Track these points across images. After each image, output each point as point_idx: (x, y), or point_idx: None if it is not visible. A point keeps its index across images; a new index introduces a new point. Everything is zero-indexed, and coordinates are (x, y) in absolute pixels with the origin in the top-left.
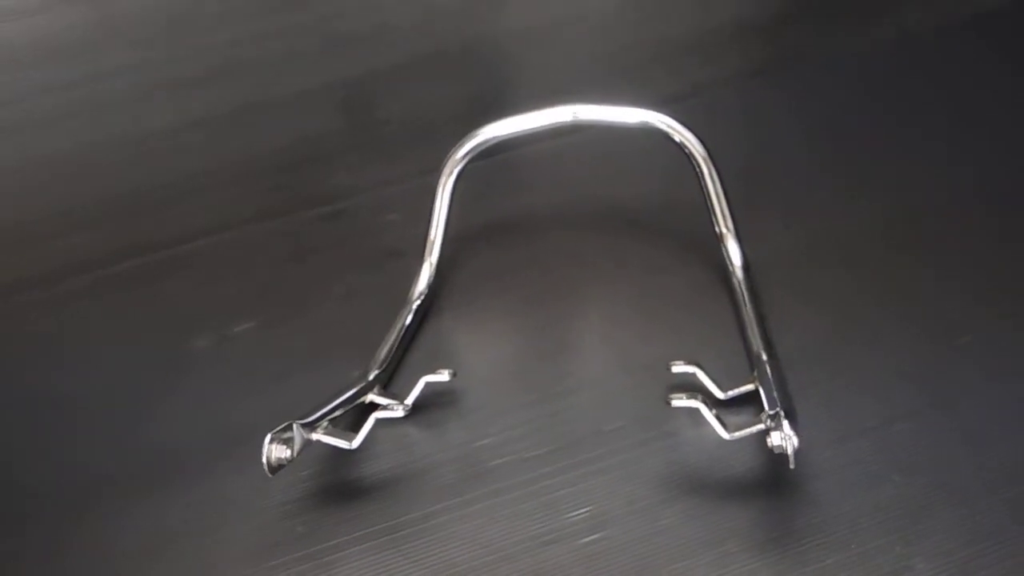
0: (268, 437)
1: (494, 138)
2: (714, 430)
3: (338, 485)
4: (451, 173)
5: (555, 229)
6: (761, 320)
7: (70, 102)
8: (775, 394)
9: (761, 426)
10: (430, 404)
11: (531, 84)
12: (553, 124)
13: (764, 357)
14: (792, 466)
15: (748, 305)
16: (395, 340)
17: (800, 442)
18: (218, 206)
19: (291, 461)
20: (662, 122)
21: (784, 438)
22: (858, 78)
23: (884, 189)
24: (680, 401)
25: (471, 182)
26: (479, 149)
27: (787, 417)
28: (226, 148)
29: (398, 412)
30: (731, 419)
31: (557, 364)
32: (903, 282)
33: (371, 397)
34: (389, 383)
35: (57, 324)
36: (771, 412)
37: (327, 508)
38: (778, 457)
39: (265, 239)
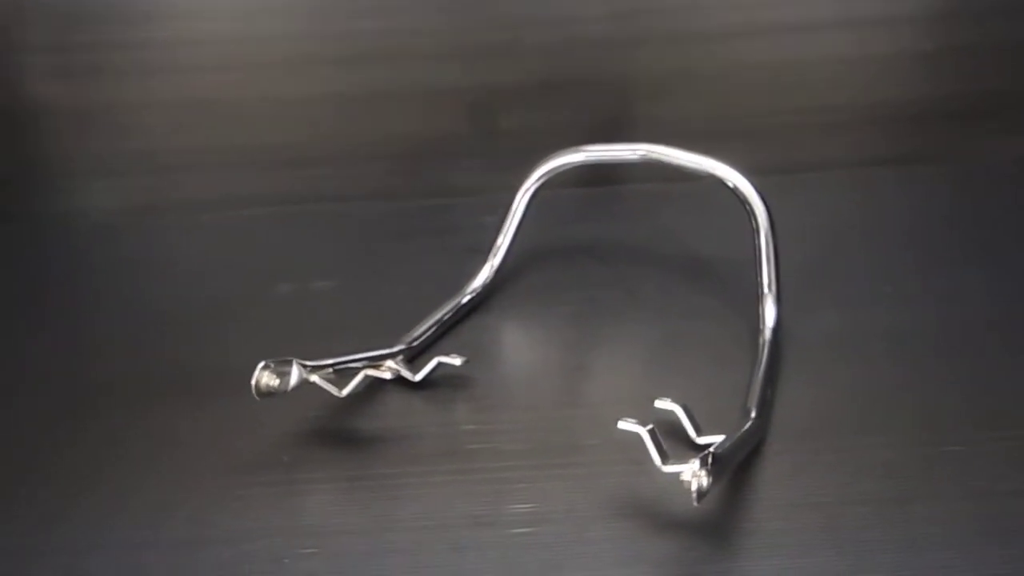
0: (262, 364)
1: (565, 165)
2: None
3: (333, 430)
4: (527, 191)
5: (623, 262)
6: (768, 381)
7: (226, 56)
8: (728, 443)
9: (692, 465)
10: (445, 384)
11: (650, 125)
12: (624, 159)
13: (752, 414)
14: (696, 504)
15: (763, 364)
16: (433, 323)
17: (710, 486)
18: (340, 178)
19: (282, 392)
20: (721, 170)
21: (694, 475)
22: (979, 186)
23: (946, 298)
24: (627, 424)
25: (574, 206)
26: (553, 173)
27: (712, 462)
28: (360, 126)
29: (386, 374)
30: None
31: (569, 380)
32: (918, 383)
33: (389, 363)
34: (415, 359)
35: (178, 248)
36: (704, 454)
37: (314, 447)
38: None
39: (373, 216)
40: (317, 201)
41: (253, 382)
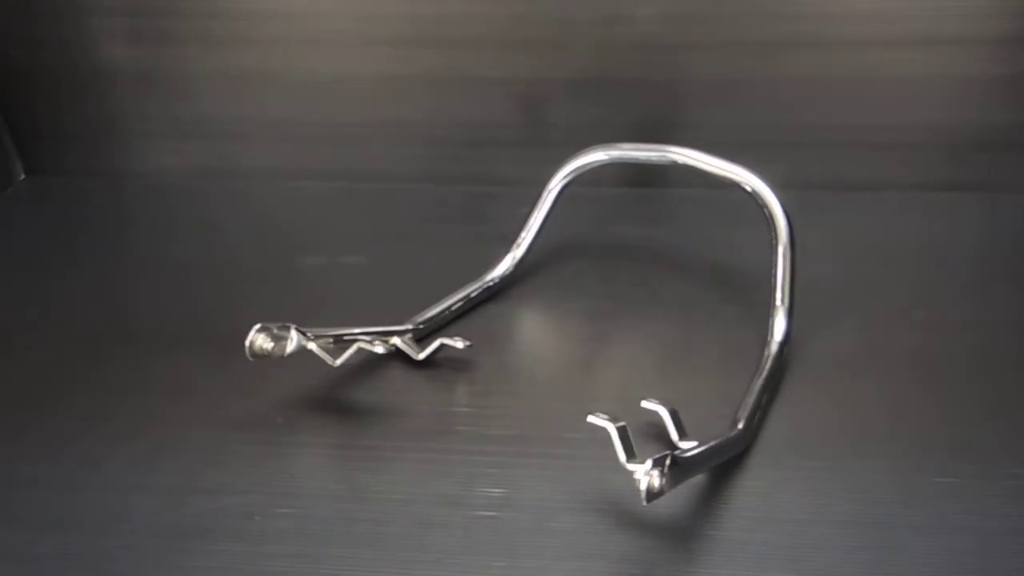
0: (258, 326)
1: (593, 163)
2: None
3: (331, 399)
4: (554, 187)
5: (650, 264)
6: (764, 393)
7: (286, 31)
8: (697, 449)
9: (646, 464)
10: (448, 365)
11: (692, 131)
12: (651, 161)
13: (739, 425)
14: (644, 503)
15: (762, 377)
16: (447, 306)
17: (662, 486)
18: (385, 158)
19: (277, 357)
20: (745, 179)
21: (646, 474)
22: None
23: (968, 328)
24: (596, 419)
25: (610, 205)
26: (581, 170)
27: (670, 464)
28: (416, 108)
29: (378, 349)
30: None
31: (568, 373)
32: (918, 411)
33: (395, 340)
34: (424, 339)
35: (221, 212)
36: (660, 455)
37: (309, 412)
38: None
39: (416, 197)
40: (360, 179)
41: (247, 343)
